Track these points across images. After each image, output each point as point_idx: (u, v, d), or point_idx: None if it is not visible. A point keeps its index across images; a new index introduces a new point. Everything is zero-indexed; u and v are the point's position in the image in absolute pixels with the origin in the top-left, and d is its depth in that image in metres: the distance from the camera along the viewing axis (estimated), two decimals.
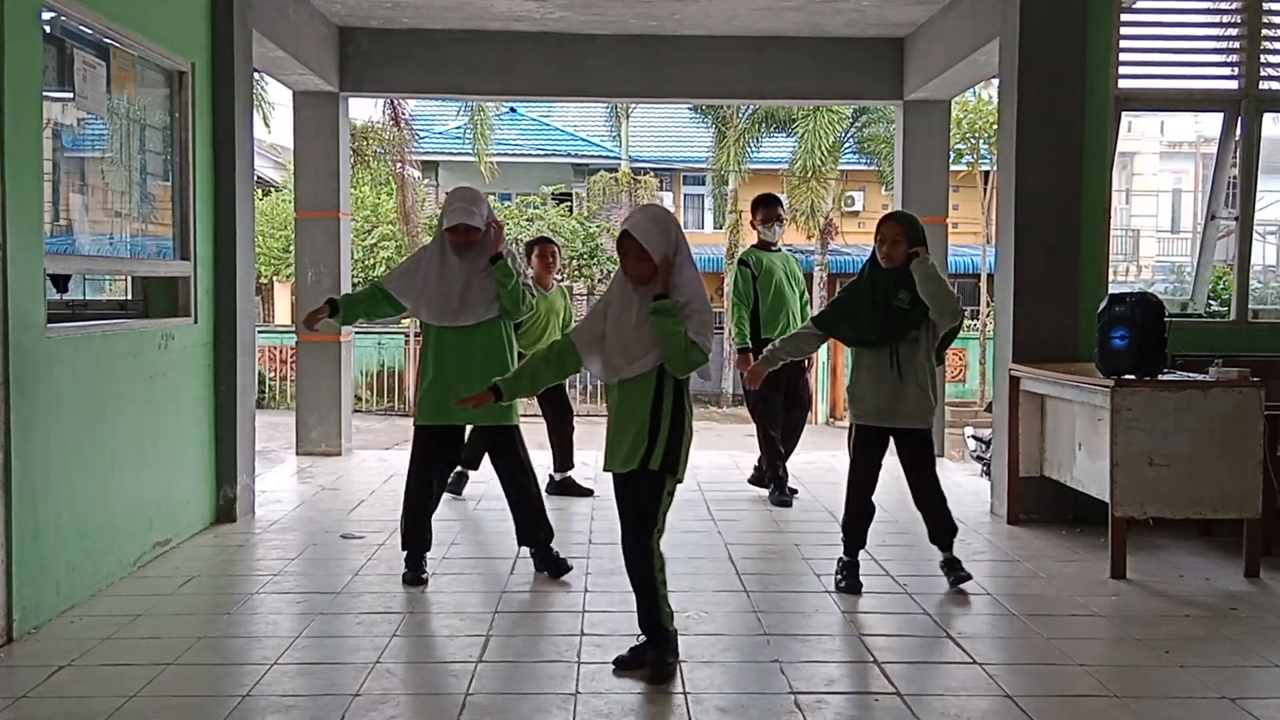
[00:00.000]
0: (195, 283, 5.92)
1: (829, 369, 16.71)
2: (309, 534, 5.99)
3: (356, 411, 10.41)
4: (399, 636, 4.22)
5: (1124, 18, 6.36)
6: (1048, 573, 5.20)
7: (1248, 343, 6.39)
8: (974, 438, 8.30)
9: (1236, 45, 6.45)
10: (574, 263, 21.34)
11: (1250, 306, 6.60)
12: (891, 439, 4.84)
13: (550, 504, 5.47)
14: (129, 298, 5.96)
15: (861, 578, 4.90)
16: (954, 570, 4.90)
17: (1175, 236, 28.10)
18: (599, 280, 22.21)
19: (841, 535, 4.96)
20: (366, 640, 4.17)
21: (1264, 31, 6.41)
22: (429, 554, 5.09)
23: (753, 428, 7.40)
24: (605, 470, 3.90)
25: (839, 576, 4.93)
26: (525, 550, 5.21)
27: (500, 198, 22.78)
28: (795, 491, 6.99)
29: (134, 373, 5.18)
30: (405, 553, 5.03)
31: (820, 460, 8.29)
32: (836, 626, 4.40)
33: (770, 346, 5.17)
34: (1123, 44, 6.36)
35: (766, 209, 6.98)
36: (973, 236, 21.09)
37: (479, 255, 4.86)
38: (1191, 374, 5.34)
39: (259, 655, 4.03)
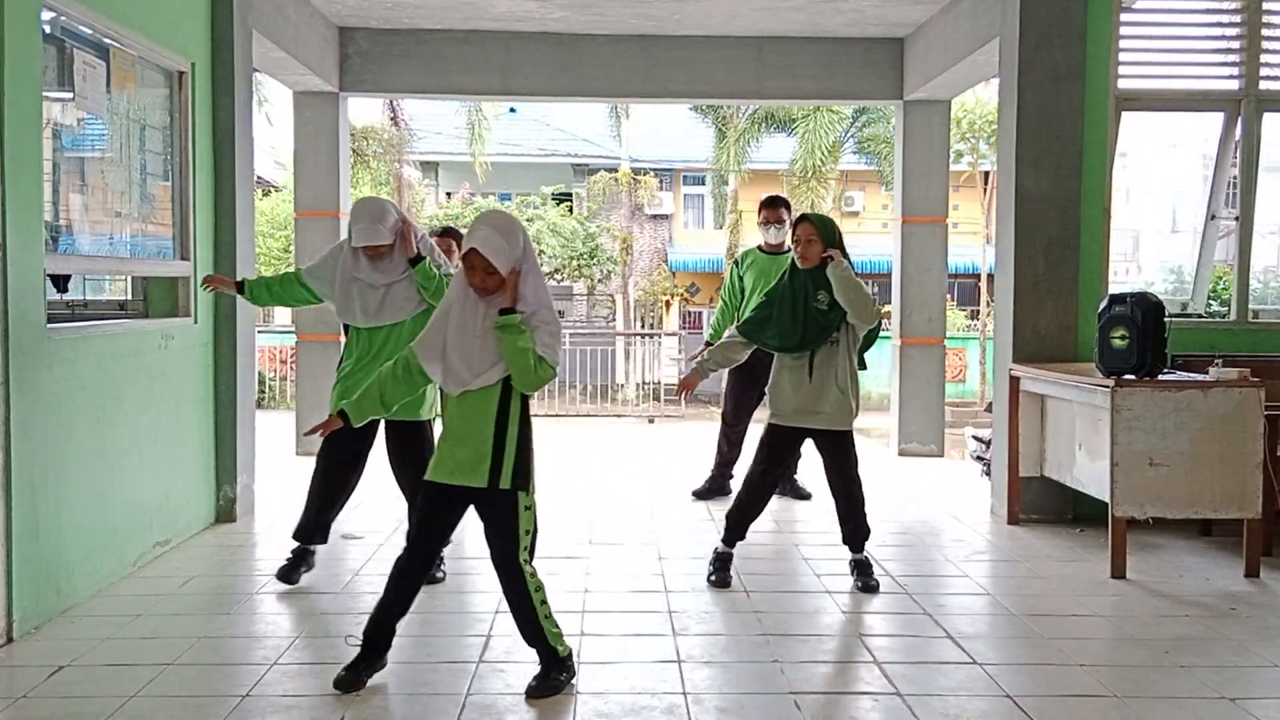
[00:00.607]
0: (195, 283, 5.92)
1: None
2: None
3: None
4: (399, 636, 4.20)
5: (1124, 18, 6.36)
6: (1048, 573, 5.20)
7: (1248, 343, 6.40)
8: (974, 438, 8.30)
9: (1236, 45, 6.45)
10: (574, 263, 21.34)
11: (1250, 306, 6.61)
12: (810, 440, 4.91)
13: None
14: (129, 298, 5.96)
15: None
16: (864, 574, 4.91)
17: (1175, 236, 28.10)
18: (599, 280, 22.24)
19: (726, 524, 5.00)
20: None
21: (1264, 31, 6.42)
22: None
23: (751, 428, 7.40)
24: (427, 478, 3.65)
25: (712, 568, 4.98)
26: None
27: (500, 197, 22.81)
28: (810, 496, 6.99)
29: (134, 373, 5.18)
30: (297, 544, 4.94)
31: (818, 461, 8.26)
32: (836, 626, 4.40)
33: (700, 357, 5.16)
34: (1123, 44, 6.37)
35: (768, 210, 6.99)
36: (973, 236, 21.10)
37: (393, 258, 4.75)
38: (1191, 374, 5.34)
39: (259, 655, 4.03)
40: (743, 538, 5.02)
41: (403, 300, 4.77)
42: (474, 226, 3.54)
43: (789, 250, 7.01)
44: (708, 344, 6.72)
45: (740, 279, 6.92)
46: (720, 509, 6.65)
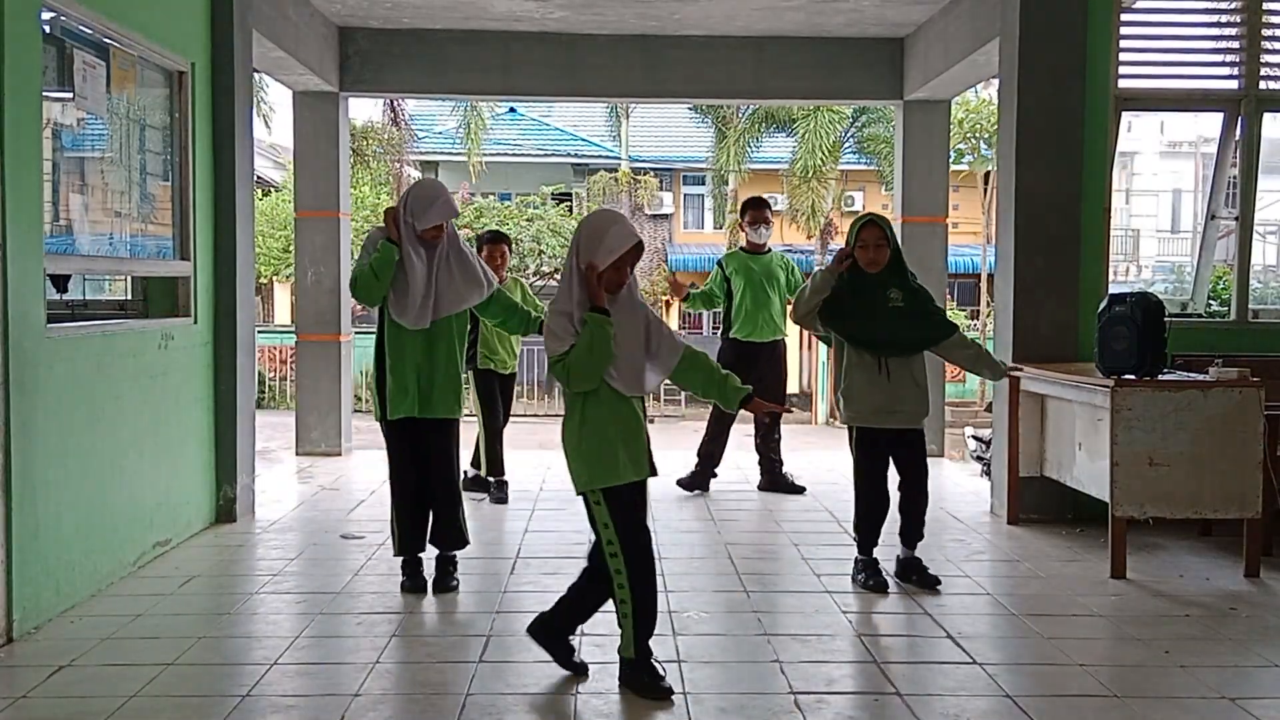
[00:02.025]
0: (195, 282, 5.92)
1: (828, 369, 16.72)
2: (309, 534, 5.99)
3: (356, 411, 10.38)
4: (399, 636, 4.22)
5: (1124, 18, 6.36)
6: (1048, 573, 5.20)
7: (1248, 343, 6.39)
8: (974, 438, 8.30)
9: (1236, 45, 6.45)
10: None
11: (1250, 306, 6.61)
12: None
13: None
14: (129, 298, 5.96)
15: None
16: (919, 570, 4.94)
17: (1175, 236, 28.11)
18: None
19: (857, 535, 4.95)
20: (366, 640, 4.17)
21: (1264, 31, 6.41)
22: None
23: (750, 427, 7.43)
24: (619, 483, 3.58)
25: (863, 575, 4.92)
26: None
27: (500, 197, 22.79)
28: (804, 489, 7.12)
29: (134, 373, 5.18)
30: (400, 559, 4.87)
31: (820, 460, 8.28)
32: (836, 626, 4.39)
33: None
34: (1123, 44, 6.36)
35: (754, 211, 7.13)
36: (973, 236, 21.11)
37: (440, 249, 4.68)
38: (1191, 374, 5.34)
39: (259, 655, 4.03)
40: (876, 543, 4.94)
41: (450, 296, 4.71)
42: (621, 224, 3.55)
43: (770, 250, 7.12)
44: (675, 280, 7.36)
45: (727, 280, 7.08)
46: (709, 501, 6.67)
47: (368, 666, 3.86)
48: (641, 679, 3.62)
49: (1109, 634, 4.39)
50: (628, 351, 3.59)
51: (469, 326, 5.06)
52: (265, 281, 22.36)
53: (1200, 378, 5.22)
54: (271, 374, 15.60)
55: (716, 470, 7.18)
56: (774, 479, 7.16)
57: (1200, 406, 5.07)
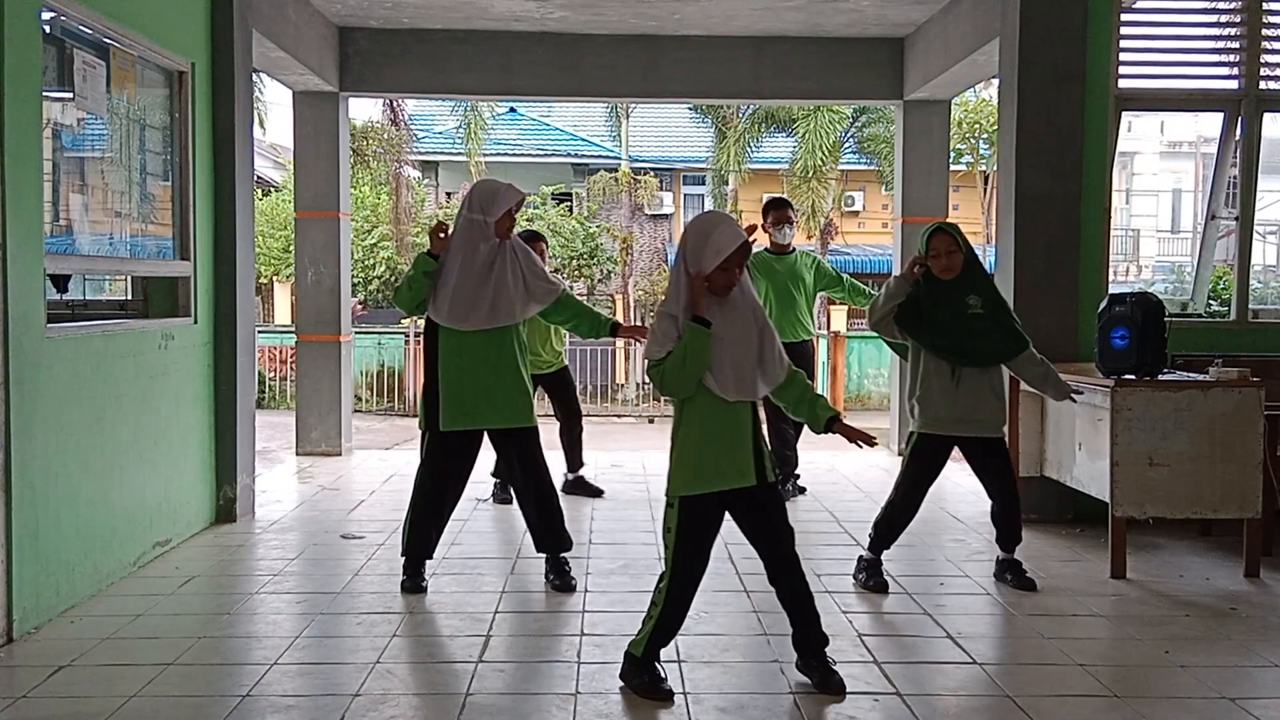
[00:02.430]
0: (195, 283, 5.92)
1: (829, 369, 16.72)
2: (309, 534, 5.99)
3: (356, 411, 10.40)
4: (399, 636, 4.22)
5: (1124, 18, 6.36)
6: (1048, 573, 5.20)
7: (1248, 343, 6.39)
8: None
9: (1236, 45, 6.45)
10: (574, 263, 21.34)
11: (1250, 306, 6.61)
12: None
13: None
14: (129, 298, 5.96)
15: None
16: (1017, 572, 4.97)
17: (1175, 236, 28.11)
18: (599, 280, 22.22)
19: (874, 534, 4.96)
20: (366, 640, 4.17)
21: (1264, 31, 6.42)
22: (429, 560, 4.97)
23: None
24: (695, 492, 3.57)
25: (864, 575, 4.94)
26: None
27: None
28: (804, 490, 7.14)
29: (134, 373, 5.18)
30: (405, 559, 4.89)
31: (820, 460, 8.28)
32: (836, 626, 4.38)
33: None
34: (1122, 44, 6.37)
35: (776, 211, 7.10)
36: (973, 236, 21.05)
37: (503, 248, 4.67)
38: (1191, 374, 5.34)
39: (259, 655, 4.03)
40: (889, 547, 4.96)
41: (512, 297, 4.70)
42: (726, 225, 3.56)
43: (794, 250, 7.11)
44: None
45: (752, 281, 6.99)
46: None
47: (368, 666, 3.86)
48: (643, 678, 3.63)
49: (1109, 634, 4.39)
50: (733, 356, 3.55)
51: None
52: (265, 281, 22.36)
53: (1200, 378, 5.22)
54: (271, 374, 15.59)
55: (797, 472, 7.16)
56: (784, 478, 7.16)
57: (1200, 406, 5.07)
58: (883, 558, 4.99)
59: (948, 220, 4.96)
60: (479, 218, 4.61)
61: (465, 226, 4.64)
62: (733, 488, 3.57)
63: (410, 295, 4.68)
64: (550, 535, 4.89)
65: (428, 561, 4.94)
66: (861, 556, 5.04)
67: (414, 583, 4.83)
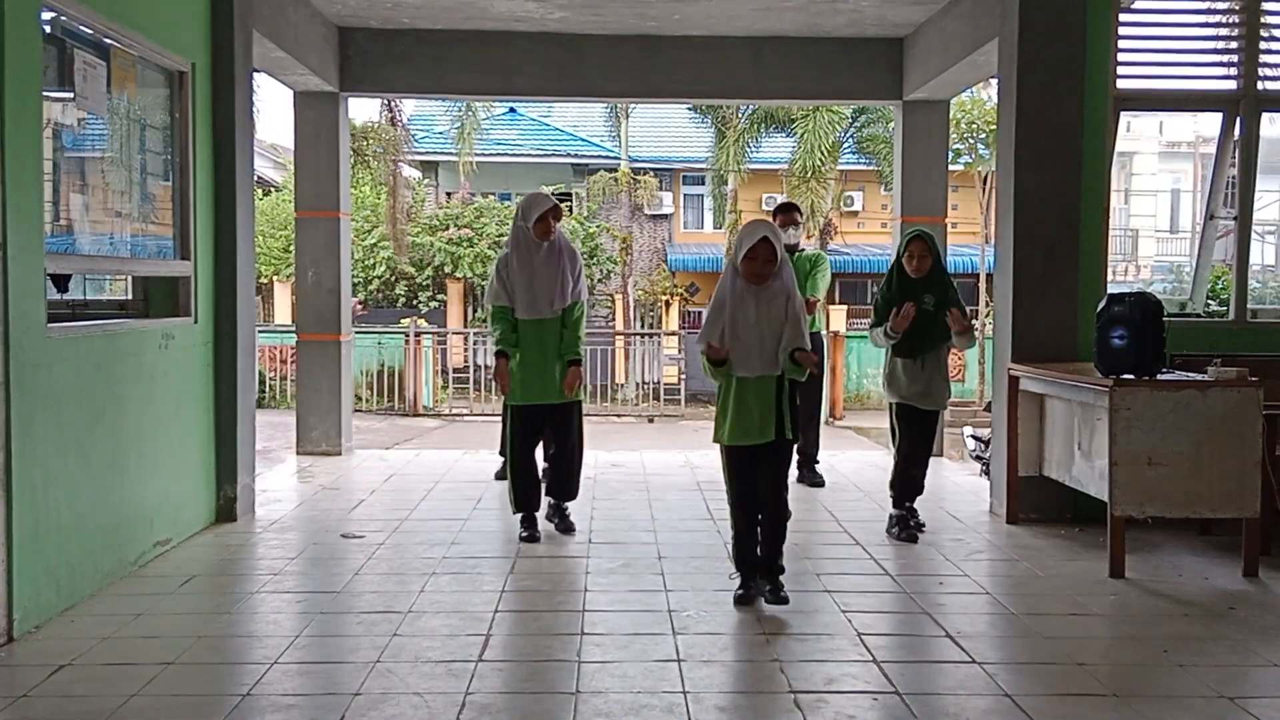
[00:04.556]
0: (195, 282, 5.92)
1: (829, 368, 16.75)
2: (309, 534, 5.99)
3: (356, 411, 10.39)
4: (399, 636, 4.22)
5: (1122, 18, 6.37)
6: (1047, 572, 5.21)
7: (1246, 342, 6.40)
8: (973, 437, 8.30)
9: (1235, 45, 6.46)
10: None
11: (1249, 306, 6.61)
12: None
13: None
14: (129, 298, 5.96)
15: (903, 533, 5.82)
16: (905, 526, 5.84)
17: (1174, 236, 28.12)
18: (598, 280, 22.23)
19: (892, 491, 5.93)
20: (366, 640, 4.17)
21: (1262, 32, 6.42)
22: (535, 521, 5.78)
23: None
24: (736, 443, 4.56)
25: (896, 529, 5.84)
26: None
27: (500, 197, 22.80)
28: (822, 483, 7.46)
29: (134, 372, 5.18)
30: (519, 514, 5.78)
31: (820, 460, 8.27)
32: (836, 626, 4.40)
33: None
34: (1121, 44, 6.37)
35: (784, 215, 7.23)
36: (971, 236, 21.06)
37: (553, 245, 5.62)
38: (1190, 374, 5.35)
39: (259, 655, 4.04)
40: (910, 499, 5.94)
41: (563, 287, 5.63)
42: (753, 225, 4.51)
43: (802, 250, 7.21)
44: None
45: None
46: (708, 501, 6.67)
47: (368, 666, 3.87)
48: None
49: (1108, 633, 4.39)
50: (760, 341, 4.49)
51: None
52: (265, 281, 22.36)
53: (1199, 377, 5.22)
54: (271, 374, 15.59)
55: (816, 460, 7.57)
56: (806, 473, 7.42)
57: (1199, 406, 5.08)
58: (909, 515, 5.88)
59: (925, 231, 5.83)
60: (522, 224, 5.62)
61: (514, 232, 5.70)
62: (754, 443, 4.54)
63: (496, 331, 5.69)
64: (561, 484, 5.90)
65: (536, 516, 5.82)
66: (890, 514, 5.96)
67: (530, 533, 5.71)
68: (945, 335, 5.69)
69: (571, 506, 6.01)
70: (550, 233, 5.61)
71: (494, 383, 5.84)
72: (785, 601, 4.54)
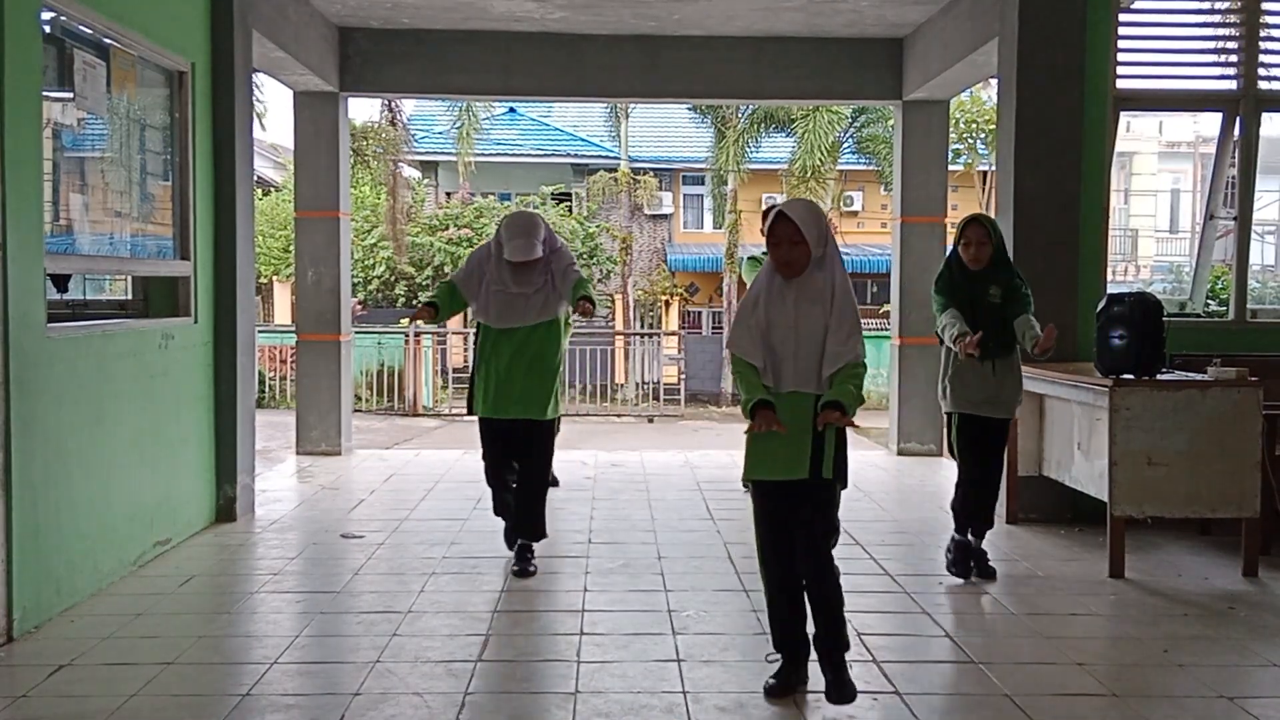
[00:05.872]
0: (195, 282, 5.92)
1: None
2: (309, 534, 6.00)
3: (356, 411, 10.40)
4: (399, 636, 4.22)
5: (1122, 18, 6.37)
6: (1047, 572, 5.21)
7: (1246, 342, 6.40)
8: None
9: (1235, 45, 6.46)
10: None
11: (1249, 306, 6.61)
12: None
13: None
14: (129, 297, 5.96)
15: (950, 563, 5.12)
16: (980, 561, 5.10)
17: (1174, 236, 28.11)
18: (598, 280, 22.22)
19: (954, 514, 5.10)
20: (366, 640, 4.17)
21: (1262, 32, 6.42)
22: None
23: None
24: (756, 478, 3.65)
25: (950, 554, 5.09)
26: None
27: (500, 197, 22.79)
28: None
29: (134, 372, 5.18)
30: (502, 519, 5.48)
31: None
32: None
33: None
34: (1121, 44, 6.37)
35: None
36: None
37: (538, 269, 5.10)
38: (1190, 374, 5.35)
39: (259, 655, 4.04)
40: (970, 524, 5.06)
41: (540, 307, 5.12)
42: (787, 204, 3.67)
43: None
44: None
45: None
46: (708, 501, 6.67)
47: (368, 666, 3.87)
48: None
49: (1107, 633, 4.40)
50: (779, 347, 3.57)
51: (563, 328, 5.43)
52: (265, 281, 22.37)
53: (1199, 377, 5.22)
54: (271, 374, 15.58)
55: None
56: None
57: (1199, 406, 5.08)
58: (967, 545, 5.07)
59: (985, 214, 5.10)
60: (496, 246, 5.16)
61: (493, 246, 5.22)
62: (781, 479, 3.54)
63: (442, 314, 5.31)
64: (526, 523, 5.27)
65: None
66: (952, 538, 5.14)
67: (509, 540, 5.36)
68: (1011, 341, 4.94)
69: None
70: (530, 269, 5.11)
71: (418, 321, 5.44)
72: (850, 699, 3.49)
